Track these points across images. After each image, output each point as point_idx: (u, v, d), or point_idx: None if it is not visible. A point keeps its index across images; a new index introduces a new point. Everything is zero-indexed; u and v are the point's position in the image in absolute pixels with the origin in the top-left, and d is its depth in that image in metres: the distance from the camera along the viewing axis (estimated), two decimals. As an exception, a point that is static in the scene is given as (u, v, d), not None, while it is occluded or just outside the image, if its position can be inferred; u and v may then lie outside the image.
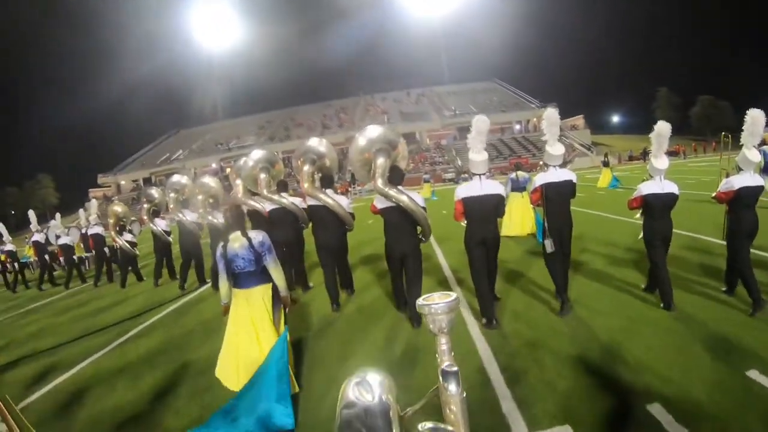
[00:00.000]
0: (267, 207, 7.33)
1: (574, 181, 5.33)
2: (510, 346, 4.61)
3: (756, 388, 3.35)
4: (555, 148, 5.30)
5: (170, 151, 69.98)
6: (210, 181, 9.28)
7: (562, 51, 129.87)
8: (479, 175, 5.17)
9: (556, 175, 5.28)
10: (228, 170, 58.12)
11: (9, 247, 14.51)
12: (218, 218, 8.39)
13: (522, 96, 68.69)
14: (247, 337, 4.04)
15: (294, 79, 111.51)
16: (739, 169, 4.94)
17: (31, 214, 14.60)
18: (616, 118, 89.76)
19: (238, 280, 4.15)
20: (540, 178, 5.36)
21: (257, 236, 4.11)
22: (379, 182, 5.23)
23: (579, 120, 63.43)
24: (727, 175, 5.25)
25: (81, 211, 16.28)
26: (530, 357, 4.31)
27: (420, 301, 1.29)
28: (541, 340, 4.63)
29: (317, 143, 7.01)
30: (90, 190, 65.16)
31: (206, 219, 8.56)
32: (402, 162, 5.73)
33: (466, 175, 5.72)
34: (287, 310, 4.35)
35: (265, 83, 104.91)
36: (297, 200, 7.20)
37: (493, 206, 5.18)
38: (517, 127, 61.97)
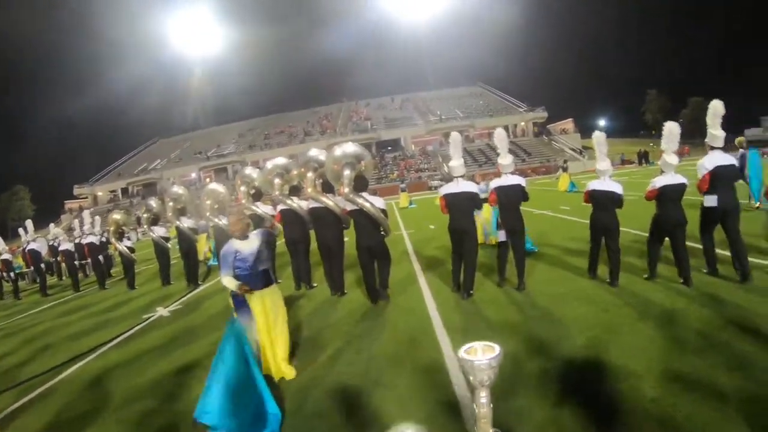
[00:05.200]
0: (279, 208, 8.36)
1: (522, 185, 6.70)
2: (464, 318, 5.86)
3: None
4: (505, 159, 6.72)
5: (148, 160, 68.46)
6: (218, 188, 9.92)
7: (549, 54, 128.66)
8: (457, 177, 6.59)
9: (507, 180, 6.68)
10: (207, 179, 57.82)
11: (5, 256, 14.93)
12: (224, 221, 9.00)
13: (509, 100, 67.54)
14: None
15: (275, 87, 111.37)
16: (662, 172, 6.13)
17: (29, 223, 15.18)
18: (606, 122, 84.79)
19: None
20: (494, 183, 6.83)
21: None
22: (346, 190, 6.52)
23: (568, 124, 63.32)
24: None
25: (76, 221, 16.87)
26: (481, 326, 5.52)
27: (462, 354, 1.27)
28: (489, 314, 5.86)
29: (317, 153, 7.93)
30: (66, 201, 64.37)
31: (213, 222, 9.18)
32: (366, 173, 6.97)
33: (442, 182, 6.97)
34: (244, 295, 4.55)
35: (246, 91, 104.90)
36: (303, 203, 8.05)
37: (468, 200, 6.53)
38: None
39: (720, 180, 5.88)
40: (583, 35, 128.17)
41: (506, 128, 60.41)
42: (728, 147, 6.15)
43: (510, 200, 6.65)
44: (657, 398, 3.41)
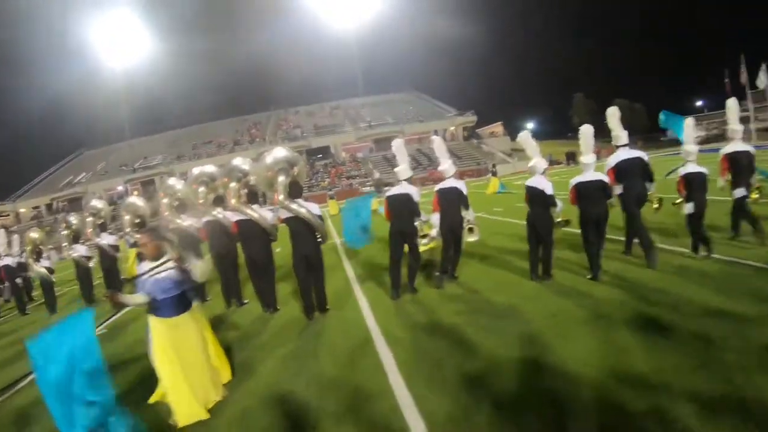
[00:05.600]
0: (204, 219, 7.87)
1: (459, 188, 7.12)
2: (405, 329, 5.73)
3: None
4: (444, 165, 7.42)
5: (73, 174, 64.81)
6: (137, 201, 9.39)
7: (478, 59, 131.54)
8: (402, 180, 7.07)
9: (447, 183, 7.21)
10: (135, 192, 55.40)
11: None
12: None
13: (439, 105, 68.57)
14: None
15: (203, 96, 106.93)
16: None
17: None
18: (535, 125, 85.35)
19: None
20: (437, 186, 7.31)
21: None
22: (281, 197, 6.30)
23: (498, 127, 64.59)
24: None
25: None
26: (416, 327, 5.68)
27: None
28: (431, 323, 5.81)
29: (241, 162, 7.64)
30: (-13, 220, 60.39)
31: (135, 237, 8.67)
32: (300, 178, 6.78)
33: (387, 188, 7.47)
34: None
35: (172, 100, 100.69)
36: (229, 215, 7.59)
37: (406, 202, 6.84)
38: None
39: (623, 172, 6.71)
40: (512, 41, 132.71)
41: (436, 133, 61.59)
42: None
43: (449, 202, 7.07)
44: (620, 404, 3.32)
